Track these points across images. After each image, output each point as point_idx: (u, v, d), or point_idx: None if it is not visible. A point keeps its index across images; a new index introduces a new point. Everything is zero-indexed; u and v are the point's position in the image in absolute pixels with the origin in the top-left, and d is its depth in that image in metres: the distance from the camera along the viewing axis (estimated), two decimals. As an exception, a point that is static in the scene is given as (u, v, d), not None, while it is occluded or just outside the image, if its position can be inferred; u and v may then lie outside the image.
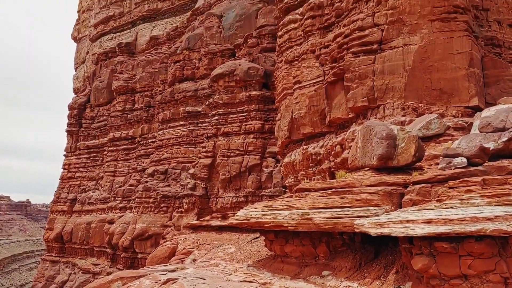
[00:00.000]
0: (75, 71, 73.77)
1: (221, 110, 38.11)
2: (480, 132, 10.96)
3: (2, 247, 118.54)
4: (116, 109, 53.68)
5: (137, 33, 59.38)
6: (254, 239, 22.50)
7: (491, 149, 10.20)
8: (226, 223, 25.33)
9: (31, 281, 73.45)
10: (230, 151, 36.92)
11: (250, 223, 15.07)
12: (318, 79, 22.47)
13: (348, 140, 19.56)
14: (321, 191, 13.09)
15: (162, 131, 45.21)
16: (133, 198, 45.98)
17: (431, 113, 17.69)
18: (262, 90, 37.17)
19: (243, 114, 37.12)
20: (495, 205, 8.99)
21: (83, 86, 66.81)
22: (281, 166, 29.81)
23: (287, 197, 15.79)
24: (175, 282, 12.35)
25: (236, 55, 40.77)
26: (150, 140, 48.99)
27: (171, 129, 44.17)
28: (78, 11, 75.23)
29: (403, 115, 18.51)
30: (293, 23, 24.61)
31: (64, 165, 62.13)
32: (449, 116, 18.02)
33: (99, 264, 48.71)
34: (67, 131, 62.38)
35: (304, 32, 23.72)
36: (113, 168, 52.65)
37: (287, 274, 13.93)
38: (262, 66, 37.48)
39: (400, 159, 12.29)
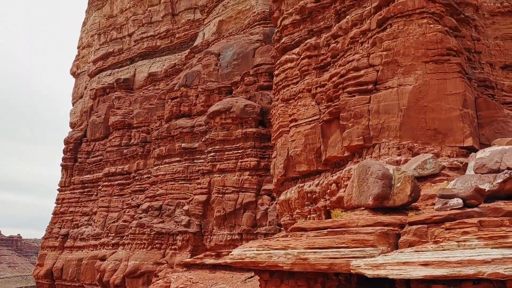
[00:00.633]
0: (73, 106, 74.17)
1: (217, 146, 38.17)
2: (475, 173, 10.99)
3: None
4: (112, 144, 53.69)
5: (135, 69, 60.13)
6: (249, 278, 22.10)
7: (486, 190, 10.21)
8: (220, 261, 24.92)
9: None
10: (225, 188, 36.75)
11: (245, 262, 14.82)
12: (314, 118, 22.65)
13: (343, 179, 19.55)
14: (317, 231, 12.96)
15: (157, 166, 45.10)
16: (126, 234, 45.35)
17: (426, 152, 17.78)
18: (258, 127, 37.38)
19: (239, 151, 37.17)
20: (492, 248, 8.91)
21: (80, 120, 67.03)
22: (276, 203, 29.63)
23: (282, 236, 15.62)
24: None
25: (233, 92, 41.20)
26: (145, 176, 48.78)
27: (167, 165, 44.08)
28: (78, 47, 76.33)
29: (399, 155, 18.59)
30: (290, 63, 25.03)
31: (57, 199, 61.53)
32: (444, 156, 18.10)
33: (89, 303, 47.51)
34: (62, 165, 62.11)
35: (300, 71, 24.09)
36: (107, 203, 52.16)
37: (282, 316, 13.58)
38: (259, 103, 37.83)
39: (396, 199, 12.25)
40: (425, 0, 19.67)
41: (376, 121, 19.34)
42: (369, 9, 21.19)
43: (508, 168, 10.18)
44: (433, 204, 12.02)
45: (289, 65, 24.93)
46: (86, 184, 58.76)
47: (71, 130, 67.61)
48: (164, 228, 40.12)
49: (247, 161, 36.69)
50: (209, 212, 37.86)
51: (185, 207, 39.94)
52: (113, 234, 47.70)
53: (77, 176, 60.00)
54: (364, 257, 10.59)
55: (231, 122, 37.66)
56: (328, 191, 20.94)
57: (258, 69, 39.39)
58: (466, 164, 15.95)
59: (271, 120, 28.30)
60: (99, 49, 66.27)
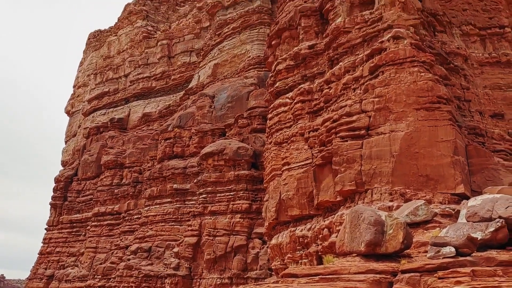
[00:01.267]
0: (65, 144, 74.00)
1: (209, 188, 37.97)
2: (467, 221, 10.98)
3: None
4: (103, 184, 53.25)
5: (130, 109, 60.52)
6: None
7: (479, 239, 10.17)
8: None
9: None
10: (216, 230, 36.29)
11: (234, 308, 14.47)
12: (307, 162, 22.73)
13: (336, 224, 19.41)
14: (308, 277, 12.74)
15: (148, 207, 44.62)
16: (113, 276, 44.26)
17: (418, 199, 17.79)
18: (251, 170, 37.36)
19: (231, 193, 36.96)
20: (485, 298, 8.79)
21: (72, 159, 66.70)
22: (267, 247, 29.22)
23: (273, 282, 15.31)
24: None
25: (227, 134, 41.41)
26: (135, 216, 48.15)
27: (158, 205, 43.64)
28: (74, 86, 76.98)
29: (391, 200, 18.57)
30: (283, 106, 25.33)
31: (44, 239, 60.31)
32: (436, 202, 18.11)
33: None
34: (51, 204, 61.27)
35: (293, 115, 24.35)
36: (95, 244, 51.17)
37: None
38: (252, 146, 37.97)
39: (389, 246, 12.15)
40: (415, 50, 20.23)
41: (368, 167, 19.42)
42: (361, 56, 21.71)
43: (500, 217, 10.18)
44: (426, 251, 11.91)
45: (282, 109, 25.22)
46: (74, 224, 57.81)
47: (62, 168, 67.15)
48: (153, 271, 39.25)
49: (239, 204, 36.43)
50: (199, 255, 37.21)
51: (175, 249, 39.25)
52: (100, 276, 46.53)
53: (66, 215, 59.11)
54: (356, 306, 10.38)
55: (224, 164, 37.64)
56: (320, 236, 20.74)
57: (252, 112, 39.78)
58: (458, 211, 15.93)
59: (264, 163, 28.34)
60: (94, 88, 66.88)
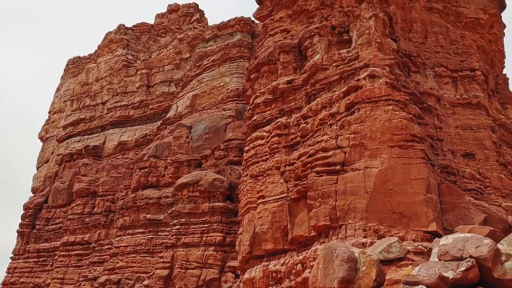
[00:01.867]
0: (37, 170, 72.33)
1: (183, 219, 37.44)
2: (439, 259, 11.02)
3: None
4: (74, 212, 51.95)
5: (105, 137, 59.86)
6: None
7: (450, 278, 10.19)
8: None
9: None
10: (188, 263, 35.61)
11: None
12: (282, 195, 22.72)
13: (309, 259, 19.29)
14: (280, 314, 12.54)
15: (119, 237, 43.60)
16: (79, 309, 42.69)
17: (392, 236, 17.88)
18: (226, 202, 37.10)
19: (205, 225, 36.51)
20: None
21: (43, 186, 65.12)
22: (240, 282, 28.74)
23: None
24: None
25: (203, 165, 41.22)
26: (106, 247, 46.92)
27: (130, 236, 42.70)
28: (49, 112, 75.94)
29: (364, 237, 18.62)
30: (260, 140, 25.44)
31: (8, 268, 58.00)
32: (409, 239, 18.23)
33: None
34: (18, 232, 59.27)
35: (270, 148, 24.46)
36: (62, 275, 49.43)
37: None
38: (228, 178, 37.83)
39: (361, 283, 12.07)
40: (390, 89, 20.75)
41: (343, 202, 19.53)
42: (338, 93, 22.13)
43: (471, 257, 10.26)
44: (398, 290, 11.87)
45: (259, 142, 25.33)
46: (41, 253, 55.89)
47: (33, 195, 65.41)
48: (121, 304, 38.03)
49: (212, 236, 35.97)
50: (170, 288, 36.31)
51: (145, 282, 38.23)
52: (66, 309, 44.81)
53: (33, 243, 57.18)
54: None
55: (199, 196, 37.30)
56: (294, 271, 20.54)
57: (229, 144, 39.82)
58: (431, 249, 16.02)
59: (239, 196, 28.19)
60: (70, 115, 66.11)
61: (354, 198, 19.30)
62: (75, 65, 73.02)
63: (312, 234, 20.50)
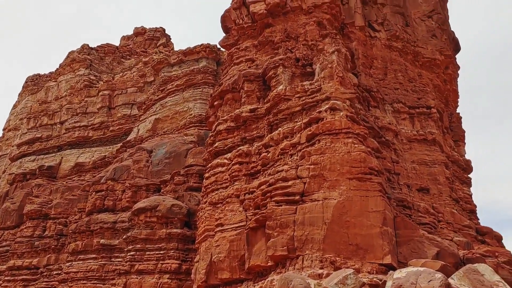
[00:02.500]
0: (-14, 190, 69.16)
1: (138, 245, 36.41)
2: (393, 293, 11.19)
3: None
4: (23, 235, 49.63)
5: (62, 157, 58.11)
6: None
7: (403, 312, 10.34)
8: None
9: None
10: (142, 291, 34.46)
11: None
12: (241, 224, 22.57)
13: (265, 290, 19.09)
14: None
15: (70, 263, 41.86)
16: (22, 338, 40.40)
17: (348, 267, 18.00)
18: (184, 228, 36.43)
19: (161, 252, 35.60)
20: None
21: (-8, 206, 62.21)
22: (194, 312, 28.02)
23: None
24: None
25: (161, 191, 40.51)
26: (55, 272, 44.87)
27: (81, 261, 41.06)
28: (4, 129, 73.28)
29: (321, 268, 18.65)
30: (221, 167, 25.35)
31: None
32: (364, 272, 18.38)
33: None
34: (-39, 254, 56.03)
35: (230, 176, 24.38)
36: (6, 301, 46.84)
37: None
38: (186, 204, 37.27)
39: (316, 315, 12.04)
40: (350, 122, 21.24)
41: (301, 232, 19.57)
42: (300, 124, 22.46)
43: (423, 290, 10.47)
44: (352, 323, 11.89)
45: (220, 169, 25.23)
46: (-15, 277, 52.90)
47: (-20, 215, 62.22)
48: (68, 334, 36.27)
49: (168, 263, 35.07)
50: (121, 317, 34.96)
51: (95, 310, 36.70)
52: (7, 338, 42.33)
53: (-24, 267, 54.11)
54: None
55: (156, 221, 36.48)
56: (249, 301, 20.26)
57: (189, 170, 39.39)
58: (385, 281, 16.22)
59: (197, 223, 27.80)
60: (26, 133, 63.97)
61: (312, 229, 19.38)
62: (34, 83, 71.20)
63: (269, 264, 20.37)
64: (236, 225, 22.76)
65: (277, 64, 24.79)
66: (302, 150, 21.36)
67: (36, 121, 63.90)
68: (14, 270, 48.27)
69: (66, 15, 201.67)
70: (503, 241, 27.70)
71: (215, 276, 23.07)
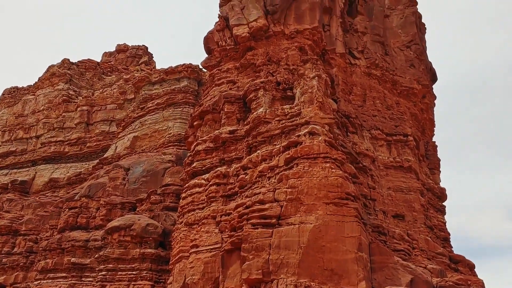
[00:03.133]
0: (-45, 203, 67.06)
1: (111, 265, 35.60)
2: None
3: None
4: (-9, 251, 48.13)
5: (36, 172, 56.94)
6: None
7: None
8: None
9: None
10: (112, 312, 33.59)
11: None
12: (216, 246, 22.36)
13: (239, 314, 18.83)
14: None
15: (39, 281, 40.60)
16: None
17: (322, 293, 17.91)
18: (158, 249, 35.82)
19: (134, 272, 34.84)
20: None
21: (-41, 220, 60.25)
22: (165, 335, 27.42)
23: None
24: None
25: (137, 209, 39.90)
26: (22, 291, 43.49)
27: (50, 280, 39.87)
28: (-23, 142, 71.64)
29: (295, 292, 18.51)
30: (198, 187, 25.20)
31: None
32: (340, 297, 18.31)
33: None
34: None
35: (207, 197, 24.23)
36: (-32, 320, 45.06)
37: None
38: (162, 224, 36.74)
39: None
40: (328, 147, 21.43)
41: (276, 256, 19.46)
42: (278, 147, 22.56)
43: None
44: None
45: (197, 189, 25.06)
46: None
47: None
48: None
49: (140, 284, 34.31)
50: None
51: (62, 332, 35.55)
52: None
53: None
54: None
55: (130, 241, 35.79)
56: (222, 326, 19.93)
57: (166, 189, 38.98)
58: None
59: (172, 243, 27.41)
60: (0, 146, 62.62)
61: (288, 253, 19.30)
62: (12, 95, 70.00)
63: (243, 287, 20.13)
64: (211, 247, 22.53)
65: (258, 87, 24.98)
66: (280, 173, 21.41)
67: (11, 134, 62.66)
68: (-21, 287, 46.60)
69: (47, 29, 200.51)
70: (475, 269, 28.04)
71: (188, 298, 22.68)
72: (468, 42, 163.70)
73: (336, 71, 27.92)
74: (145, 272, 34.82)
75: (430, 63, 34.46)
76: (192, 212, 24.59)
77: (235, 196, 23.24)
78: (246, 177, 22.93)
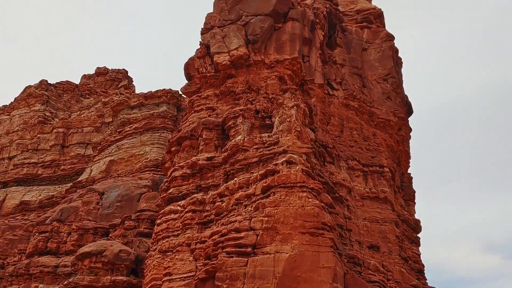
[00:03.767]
0: None
1: (80, 292, 34.54)
2: None
3: None
4: (-46, 275, 46.23)
5: (6, 194, 55.43)
6: None
7: None
8: None
9: None
10: None
11: None
12: (190, 274, 21.95)
13: None
14: None
15: (3, 308, 39.10)
16: None
17: (296, 325, 17.66)
18: (130, 276, 34.91)
19: (104, 300, 33.84)
20: None
21: None
22: None
23: None
24: None
25: (110, 235, 39.02)
26: (-15, 318, 41.71)
27: (16, 307, 38.43)
28: None
29: (269, 324, 18.23)
30: (174, 214, 24.86)
31: None
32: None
33: None
34: None
35: (182, 224, 23.90)
36: None
37: None
38: (135, 250, 35.96)
39: None
40: (305, 176, 21.52)
41: (251, 286, 19.23)
42: (256, 175, 22.55)
43: None
44: None
45: (172, 216, 24.72)
46: None
47: None
48: None
49: (110, 313, 33.31)
50: None
51: None
52: None
53: None
54: None
55: (101, 267, 34.83)
56: None
57: (141, 215, 38.31)
58: None
59: (145, 271, 26.79)
60: (-29, 166, 60.98)
61: (262, 283, 19.07)
62: (-14, 115, 68.72)
63: (216, 317, 19.74)
64: (185, 275, 22.09)
65: (237, 115, 25.08)
66: (256, 202, 21.34)
67: (-17, 154, 61.17)
68: None
69: (25, 48, 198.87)
70: (449, 302, 28.15)
71: (159, 328, 22.08)
72: (442, 76, 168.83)
73: (314, 101, 28.29)
74: (115, 300, 33.86)
75: (406, 96, 35.28)
76: (167, 239, 24.17)
77: (211, 224, 22.99)
78: (223, 204, 22.77)
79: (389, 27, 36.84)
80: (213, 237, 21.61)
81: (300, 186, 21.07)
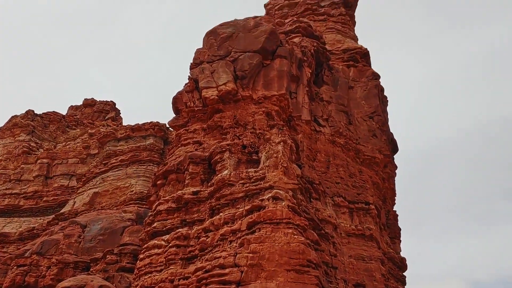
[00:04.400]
0: None
1: (57, 329, 33.39)
2: None
3: None
4: None
5: (-14, 225, 54.08)
6: None
7: None
8: None
9: None
10: None
11: None
12: (172, 312, 21.36)
13: None
14: None
15: None
16: None
17: None
18: (110, 313, 33.95)
19: (82, 338, 32.71)
20: None
21: None
22: None
23: None
24: None
25: (91, 269, 38.08)
26: None
27: None
28: None
29: None
30: (157, 248, 24.42)
31: None
32: None
33: None
34: None
35: (166, 259, 23.45)
36: None
37: None
38: (116, 286, 35.06)
39: None
40: (291, 212, 21.41)
41: (234, 324, 18.74)
42: (241, 210, 22.37)
43: None
44: None
45: (156, 251, 24.27)
46: None
47: None
48: None
49: None
50: None
51: None
52: None
53: None
54: None
55: (81, 303, 33.88)
56: None
57: (124, 249, 37.55)
58: None
59: (125, 308, 26.07)
60: (-50, 196, 59.61)
61: (246, 322, 18.63)
62: (-31, 144, 67.77)
63: None
64: (167, 313, 21.52)
65: (224, 149, 25.10)
66: (241, 237, 21.09)
67: (-36, 184, 59.98)
68: None
69: (12, 79, 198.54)
70: None
71: None
72: (428, 114, 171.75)
73: (301, 137, 28.49)
74: (94, 338, 32.74)
75: (392, 134, 35.75)
76: (149, 275, 23.63)
77: (195, 259, 22.58)
78: (207, 240, 22.45)
79: (375, 66, 37.74)
80: (197, 273, 21.21)
81: (286, 223, 20.93)
